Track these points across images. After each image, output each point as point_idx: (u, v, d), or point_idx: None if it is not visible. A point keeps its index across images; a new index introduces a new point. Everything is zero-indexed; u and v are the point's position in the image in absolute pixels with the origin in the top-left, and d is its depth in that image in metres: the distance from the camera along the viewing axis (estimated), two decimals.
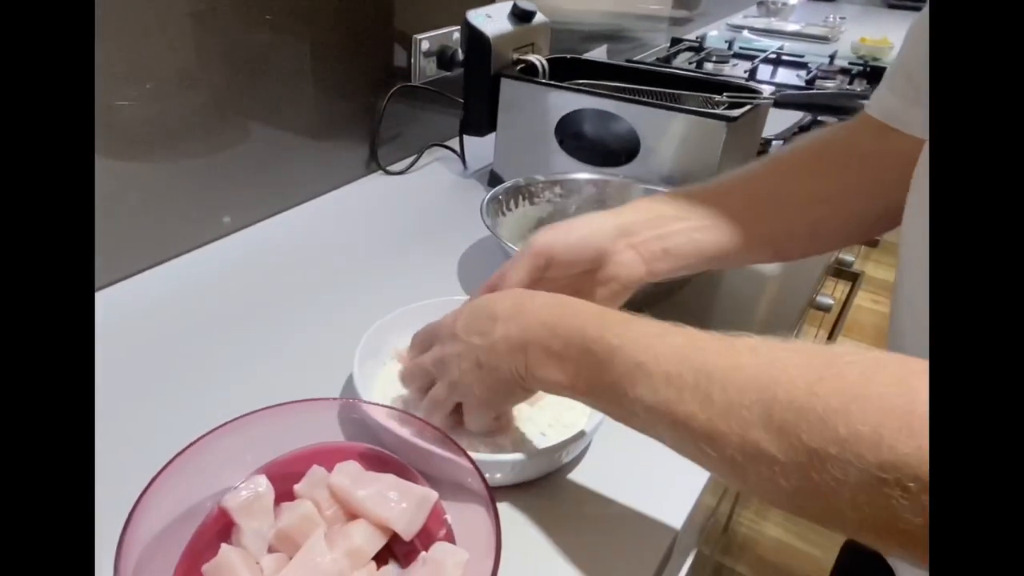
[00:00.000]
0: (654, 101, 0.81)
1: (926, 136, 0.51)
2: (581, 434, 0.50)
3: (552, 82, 0.86)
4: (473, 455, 0.44)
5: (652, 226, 0.55)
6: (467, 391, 0.47)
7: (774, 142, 1.03)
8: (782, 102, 0.79)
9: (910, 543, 0.28)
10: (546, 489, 0.51)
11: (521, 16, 0.88)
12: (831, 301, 0.99)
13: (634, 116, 0.79)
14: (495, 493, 0.41)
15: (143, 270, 0.73)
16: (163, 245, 0.75)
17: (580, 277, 0.55)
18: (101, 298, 0.68)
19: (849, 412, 0.29)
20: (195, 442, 0.43)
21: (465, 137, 0.98)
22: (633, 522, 0.49)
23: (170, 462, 0.42)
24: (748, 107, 0.77)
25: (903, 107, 0.53)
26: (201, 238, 0.78)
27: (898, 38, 1.88)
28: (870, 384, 0.30)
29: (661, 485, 0.51)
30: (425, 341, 0.52)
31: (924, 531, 0.27)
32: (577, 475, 0.52)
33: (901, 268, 0.48)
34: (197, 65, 0.71)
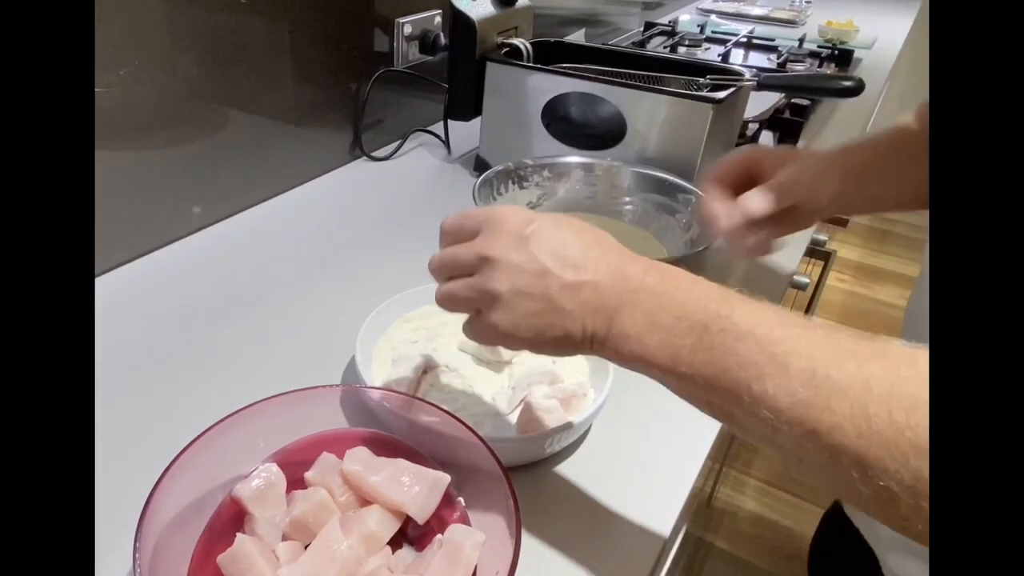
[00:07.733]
0: (640, 84, 0.81)
1: None
2: (568, 425, 0.48)
3: (539, 65, 0.86)
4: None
5: (857, 177, 0.59)
6: (504, 315, 0.37)
7: (750, 124, 1.04)
8: (765, 84, 0.80)
9: None
10: (539, 477, 0.51)
11: (504, 0, 0.88)
12: (807, 280, 1.00)
13: (621, 99, 0.80)
14: None
15: (125, 262, 0.71)
16: (144, 237, 0.73)
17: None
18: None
19: None
20: (206, 431, 0.43)
21: (449, 122, 0.98)
22: (633, 510, 0.49)
23: (182, 452, 0.41)
24: (732, 89, 0.78)
25: None
26: (182, 229, 0.76)
27: (862, 21, 1.89)
28: None
29: (658, 474, 0.51)
30: (470, 227, 0.40)
31: None
32: (572, 463, 0.52)
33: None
34: (172, 51, 0.69)
